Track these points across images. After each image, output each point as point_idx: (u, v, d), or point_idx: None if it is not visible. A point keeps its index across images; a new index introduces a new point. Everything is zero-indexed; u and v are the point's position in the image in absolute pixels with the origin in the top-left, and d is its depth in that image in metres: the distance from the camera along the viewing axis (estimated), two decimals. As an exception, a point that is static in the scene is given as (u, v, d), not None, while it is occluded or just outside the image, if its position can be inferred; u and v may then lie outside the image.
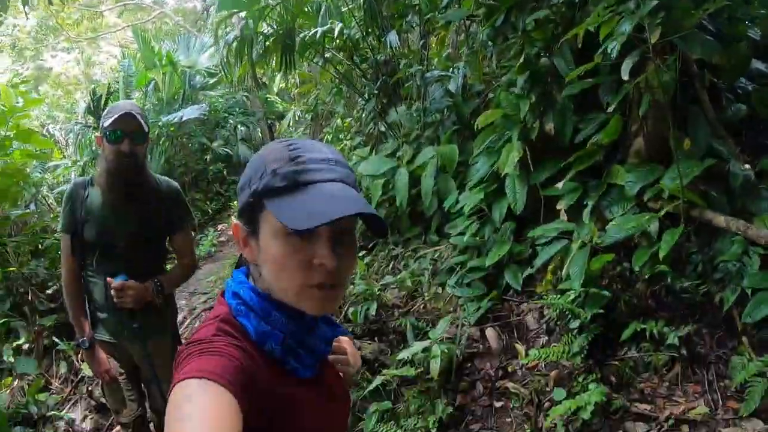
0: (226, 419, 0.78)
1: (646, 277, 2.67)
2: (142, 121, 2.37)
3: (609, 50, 2.39)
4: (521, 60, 3.18)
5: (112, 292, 2.32)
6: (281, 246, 0.91)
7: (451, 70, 4.53)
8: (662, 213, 2.58)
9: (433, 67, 4.82)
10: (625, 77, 2.46)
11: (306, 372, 1.01)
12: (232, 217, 10.20)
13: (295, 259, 0.90)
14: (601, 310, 2.75)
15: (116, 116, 2.30)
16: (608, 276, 2.89)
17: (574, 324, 2.85)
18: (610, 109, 2.76)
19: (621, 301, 2.77)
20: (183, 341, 2.99)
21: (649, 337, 2.61)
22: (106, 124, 2.32)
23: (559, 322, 3.07)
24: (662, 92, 2.49)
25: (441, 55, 4.93)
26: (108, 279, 2.36)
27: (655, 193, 2.63)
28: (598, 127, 3.01)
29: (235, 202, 10.53)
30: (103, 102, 7.82)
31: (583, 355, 2.74)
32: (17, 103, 4.35)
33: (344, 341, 1.25)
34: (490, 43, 3.62)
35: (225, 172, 11.35)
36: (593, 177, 3.12)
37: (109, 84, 9.66)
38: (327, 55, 5.47)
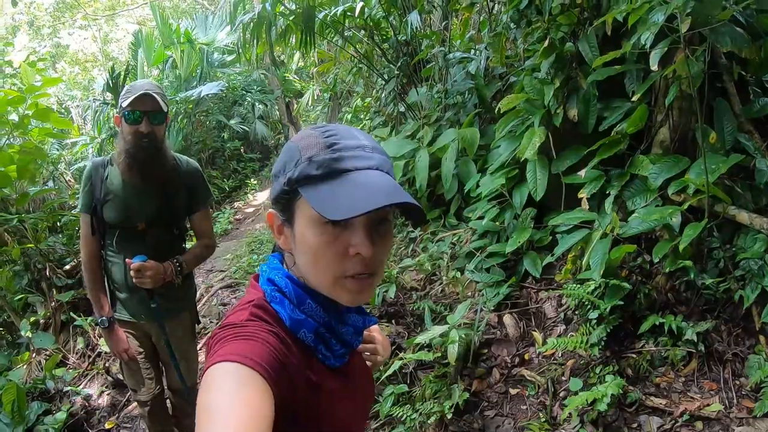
0: (259, 404, 0.78)
1: (667, 270, 2.66)
2: (161, 101, 2.36)
3: (643, 40, 2.35)
4: (546, 44, 3.14)
5: (131, 272, 2.33)
6: (317, 235, 0.90)
7: (473, 52, 4.48)
8: (685, 206, 2.56)
9: (455, 49, 4.77)
10: (654, 67, 2.43)
11: (336, 361, 1.02)
12: (249, 194, 10.31)
13: (331, 248, 0.89)
14: (621, 302, 2.75)
15: (134, 96, 2.30)
16: (628, 267, 2.89)
17: (593, 314, 2.86)
18: (636, 98, 2.72)
19: (640, 293, 2.77)
20: (200, 319, 3.07)
21: (667, 332, 2.62)
22: (125, 104, 2.32)
23: (577, 312, 3.08)
24: (690, 83, 2.45)
25: (463, 37, 4.87)
26: (127, 260, 2.38)
27: (679, 186, 2.60)
28: (623, 116, 2.98)
29: (252, 180, 10.71)
30: (121, 79, 7.87)
31: (600, 346, 2.76)
32: (36, 81, 4.39)
33: (374, 330, 1.27)
34: (513, 25, 3.56)
35: (242, 150, 11.45)
36: (616, 166, 3.10)
37: (127, 61, 9.71)
38: (347, 33, 5.42)
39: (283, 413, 0.84)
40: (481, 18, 4.64)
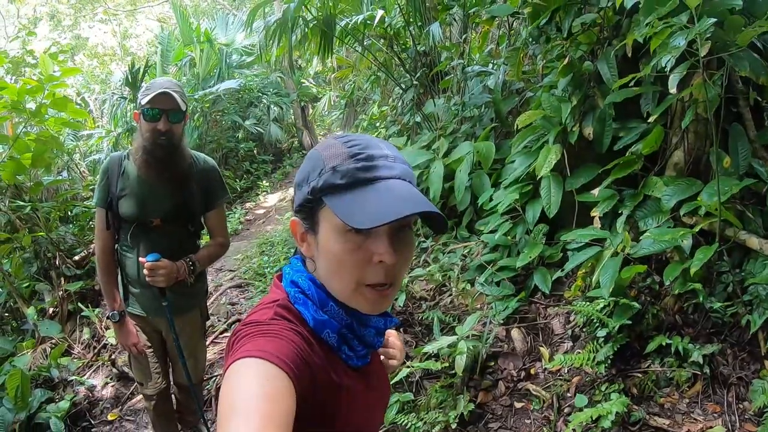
0: (281, 400, 0.79)
1: (676, 292, 2.71)
2: (180, 100, 2.38)
3: (663, 63, 2.40)
4: (565, 62, 3.20)
5: (145, 271, 2.35)
6: (340, 243, 0.92)
7: (491, 66, 4.55)
8: (697, 229, 2.60)
9: (474, 62, 4.84)
10: (673, 90, 2.48)
11: (359, 361, 1.04)
12: (260, 196, 10.41)
13: (354, 255, 0.91)
14: (629, 321, 2.79)
15: (154, 94, 2.32)
16: (637, 287, 2.94)
17: (601, 332, 2.90)
18: (652, 119, 2.77)
19: (648, 313, 2.81)
20: (209, 316, 3.11)
21: (673, 353, 2.65)
22: (144, 101, 2.35)
23: (585, 329, 3.12)
24: (707, 107, 2.50)
25: (482, 51, 4.94)
26: (141, 259, 2.40)
27: (692, 208, 2.65)
28: (638, 137, 3.03)
29: (264, 182, 10.81)
30: (140, 75, 7.99)
31: (607, 365, 2.79)
32: (54, 71, 4.48)
33: (392, 334, 1.30)
34: (532, 41, 3.63)
35: (255, 151, 11.54)
36: (630, 186, 3.14)
37: (147, 57, 9.85)
38: (366, 42, 5.51)
39: (304, 411, 0.86)
40: (501, 32, 4.71)
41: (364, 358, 1.06)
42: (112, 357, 4.43)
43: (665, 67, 2.36)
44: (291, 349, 0.88)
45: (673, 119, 2.89)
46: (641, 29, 2.46)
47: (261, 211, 9.68)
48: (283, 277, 1.07)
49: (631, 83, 2.64)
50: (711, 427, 2.46)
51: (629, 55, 2.64)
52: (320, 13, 4.93)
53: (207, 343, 4.13)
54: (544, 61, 3.58)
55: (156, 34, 10.93)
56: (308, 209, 0.98)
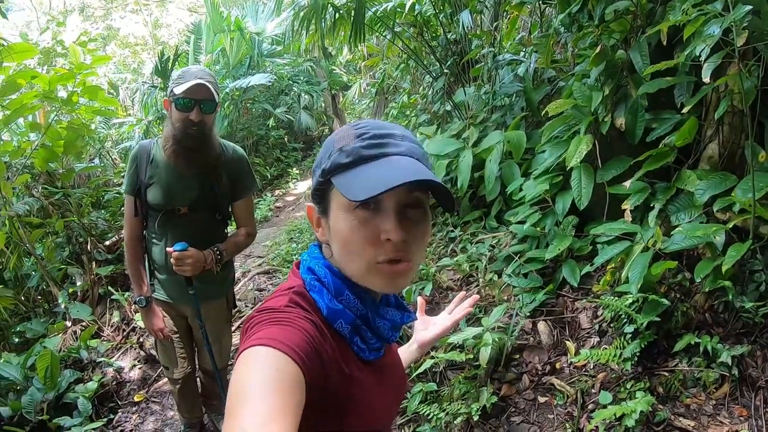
0: (290, 390, 0.79)
1: (707, 290, 2.66)
2: (213, 90, 2.41)
3: (698, 52, 2.35)
4: (597, 51, 3.15)
5: (172, 260, 2.40)
6: (348, 221, 0.93)
7: (523, 54, 4.50)
8: (730, 225, 2.55)
9: (505, 51, 4.80)
10: (706, 80, 2.42)
11: (371, 355, 1.04)
12: (291, 183, 10.56)
13: (361, 233, 0.92)
14: (657, 318, 2.76)
15: (188, 85, 2.34)
16: (667, 283, 2.90)
17: (629, 329, 2.87)
18: (686, 110, 2.72)
19: (678, 311, 2.78)
20: (236, 303, 3.17)
21: (701, 352, 2.62)
22: (177, 90, 2.37)
23: (612, 325, 3.10)
24: (742, 99, 2.44)
25: (512, 38, 4.89)
26: (168, 249, 2.45)
27: (725, 204, 2.59)
28: (672, 128, 2.97)
29: (294, 170, 10.96)
30: (170, 64, 8.14)
31: (633, 362, 2.77)
32: (85, 60, 4.60)
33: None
34: (563, 29, 3.57)
35: (286, 139, 11.69)
36: (662, 179, 3.09)
37: (177, 46, 10.00)
38: (397, 29, 5.50)
39: (314, 401, 0.86)
40: (532, 20, 4.65)
41: (377, 352, 1.07)
42: (140, 340, 4.57)
43: (700, 56, 2.31)
44: (302, 338, 0.88)
45: (707, 111, 2.83)
46: (676, 15, 2.41)
47: (291, 198, 9.82)
48: (300, 264, 1.08)
49: (664, 70, 2.58)
50: (737, 431, 2.43)
51: (664, 43, 2.58)
52: (350, 1, 4.93)
53: (233, 328, 4.23)
54: (576, 49, 3.52)
55: (187, 23, 11.07)
56: (320, 193, 1.00)
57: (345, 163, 0.92)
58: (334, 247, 0.99)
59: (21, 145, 4.48)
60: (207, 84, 2.38)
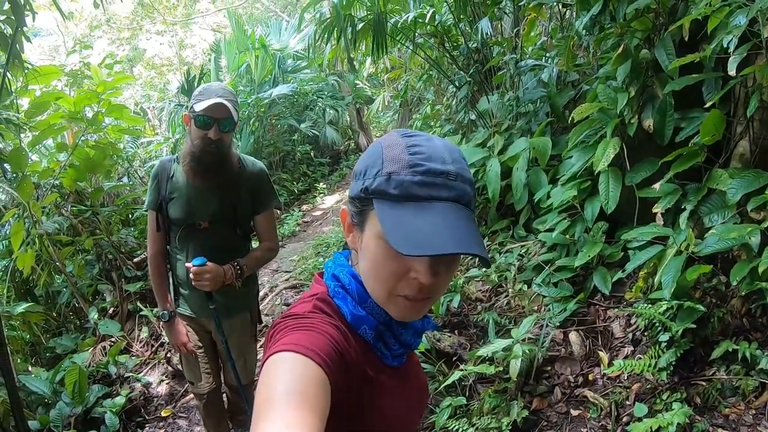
0: (316, 393, 0.80)
1: (743, 293, 2.57)
2: (232, 109, 2.43)
3: (725, 44, 2.29)
4: (619, 51, 3.11)
5: (191, 275, 2.41)
6: (381, 249, 0.92)
7: (545, 59, 4.47)
8: (765, 225, 2.47)
9: (527, 56, 4.77)
10: (732, 72, 2.36)
11: (394, 361, 1.05)
12: (318, 198, 10.64)
13: (391, 265, 0.92)
14: (693, 325, 2.68)
15: (208, 103, 2.37)
16: (702, 288, 2.81)
17: (664, 337, 2.80)
18: (709, 104, 2.65)
19: (714, 317, 2.69)
20: (262, 318, 3.19)
21: (740, 359, 2.52)
22: (197, 108, 2.40)
23: (646, 333, 3.02)
24: (772, 92, 2.38)
25: (534, 44, 4.87)
26: (186, 264, 2.46)
27: (760, 203, 2.51)
28: (701, 127, 2.90)
29: (321, 184, 11.05)
30: (195, 82, 8.34)
31: (669, 371, 2.69)
32: (108, 80, 4.73)
33: None
34: (584, 32, 3.54)
35: (312, 154, 11.82)
36: (693, 180, 3.02)
37: (202, 65, 10.25)
38: (418, 40, 5.53)
39: (339, 404, 0.87)
40: (553, 24, 4.62)
41: (399, 358, 1.08)
42: (168, 355, 4.63)
43: (727, 48, 2.26)
44: (327, 343, 0.90)
45: (736, 107, 2.76)
46: (698, 9, 2.36)
47: (318, 213, 9.88)
48: (324, 272, 1.09)
49: (691, 66, 2.53)
50: (779, 441, 2.33)
51: (686, 39, 2.53)
52: (369, 13, 4.98)
53: (260, 344, 4.25)
54: (599, 51, 3.48)
55: (211, 43, 11.33)
56: (359, 205, 0.98)
57: (392, 194, 0.90)
58: (362, 262, 0.99)
59: (50, 165, 4.63)
60: (226, 103, 2.41)
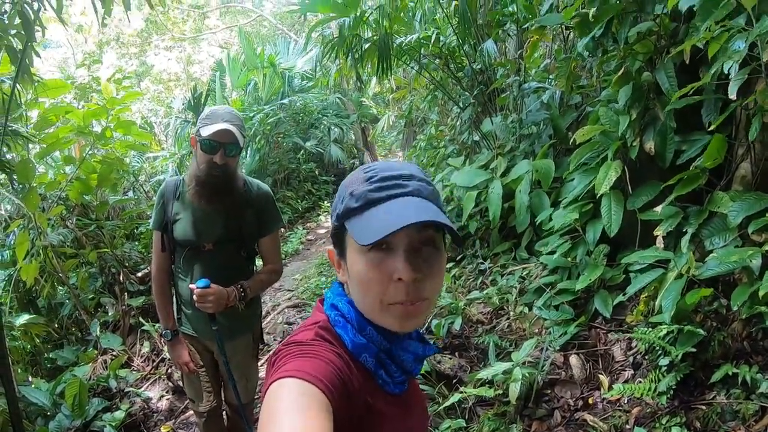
0: (319, 421, 0.81)
1: (744, 316, 2.55)
2: (238, 134, 2.45)
3: (726, 69, 2.31)
4: (619, 73, 3.13)
5: (194, 296, 2.41)
6: (362, 263, 0.95)
7: (548, 81, 4.51)
8: (766, 248, 2.45)
9: (531, 78, 4.81)
10: (732, 96, 2.37)
11: (396, 388, 1.05)
12: (322, 216, 10.69)
13: (375, 274, 0.94)
14: (693, 349, 2.66)
15: (214, 129, 2.40)
16: (703, 312, 2.79)
17: (664, 361, 2.78)
18: (713, 128, 2.65)
19: (714, 340, 2.66)
20: (264, 338, 3.18)
21: (740, 383, 2.49)
22: (204, 132, 2.42)
23: (647, 357, 3.00)
24: (772, 116, 2.38)
25: (538, 66, 4.90)
26: (190, 286, 2.46)
27: (761, 225, 2.50)
28: (702, 149, 2.90)
29: (325, 203, 11.11)
30: (202, 99, 8.42)
31: (669, 395, 2.67)
32: (117, 96, 4.79)
33: None
34: (587, 54, 3.56)
35: (317, 172, 11.87)
36: (695, 203, 3.01)
37: (208, 82, 10.36)
38: (423, 61, 5.58)
39: (341, 431, 0.88)
40: (557, 46, 4.66)
41: (401, 385, 1.07)
42: (169, 371, 4.60)
43: (728, 73, 2.27)
44: (329, 370, 0.91)
45: (737, 129, 2.76)
46: (699, 34, 2.38)
47: (322, 231, 9.89)
48: (324, 300, 1.11)
49: (691, 92, 2.54)
50: (780, 465, 2.29)
51: (687, 62, 2.55)
52: (375, 34, 5.04)
53: (260, 363, 4.22)
54: (602, 74, 3.50)
55: (214, 63, 11.51)
56: (337, 236, 1.04)
57: (355, 208, 0.96)
58: (351, 288, 1.03)
59: (57, 177, 4.67)
60: (232, 128, 2.43)
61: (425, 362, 3.57)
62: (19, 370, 4.50)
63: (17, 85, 3.17)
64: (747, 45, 2.20)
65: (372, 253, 0.94)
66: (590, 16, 3.00)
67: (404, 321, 0.97)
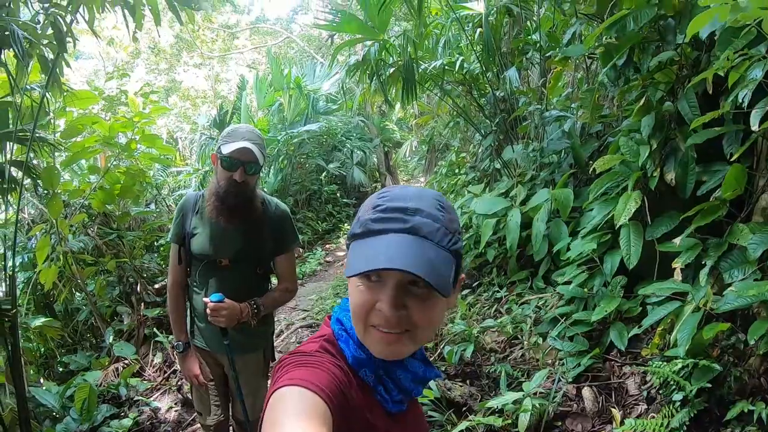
0: (319, 419, 0.83)
1: (761, 352, 2.47)
2: (258, 153, 2.48)
3: (740, 98, 2.29)
4: (641, 103, 3.12)
5: (207, 310, 2.44)
6: (355, 286, 0.98)
7: (570, 110, 4.51)
8: (785, 282, 2.39)
9: (552, 107, 4.81)
10: (755, 127, 2.34)
11: (394, 407, 1.06)
12: (341, 238, 10.71)
13: (363, 298, 0.96)
14: (708, 384, 2.59)
15: (235, 147, 2.43)
16: (720, 346, 2.71)
17: (678, 396, 2.71)
18: (734, 159, 2.62)
19: (731, 376, 2.58)
20: (276, 356, 3.17)
21: (755, 420, 2.41)
22: (225, 150, 2.45)
23: (661, 391, 2.91)
24: (795, 147, 2.34)
25: (560, 94, 4.91)
26: (204, 299, 2.49)
27: (780, 258, 2.45)
28: (723, 181, 2.86)
29: (346, 225, 11.17)
30: (227, 117, 8.57)
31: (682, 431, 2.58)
32: (144, 110, 4.92)
33: None
34: (609, 84, 3.56)
35: (338, 194, 11.95)
36: (715, 234, 2.95)
37: (235, 100, 10.56)
38: (446, 87, 5.63)
39: None
40: (579, 75, 4.66)
41: (400, 404, 1.07)
42: (179, 383, 4.63)
43: (742, 102, 2.25)
44: (330, 380, 0.93)
45: (759, 160, 2.72)
46: (719, 62, 2.37)
47: (341, 254, 9.91)
48: (332, 315, 1.13)
49: (711, 122, 2.52)
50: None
51: (710, 92, 2.53)
52: (399, 59, 5.11)
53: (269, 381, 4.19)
54: (623, 103, 3.49)
55: (239, 81, 11.73)
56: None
57: (357, 234, 0.98)
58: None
59: (81, 185, 4.77)
60: (252, 147, 2.46)
61: (435, 388, 3.53)
62: (32, 371, 4.56)
63: (47, 93, 3.27)
64: (763, 73, 2.18)
65: (365, 279, 0.96)
66: (609, 41, 3.00)
67: (382, 347, 0.96)
